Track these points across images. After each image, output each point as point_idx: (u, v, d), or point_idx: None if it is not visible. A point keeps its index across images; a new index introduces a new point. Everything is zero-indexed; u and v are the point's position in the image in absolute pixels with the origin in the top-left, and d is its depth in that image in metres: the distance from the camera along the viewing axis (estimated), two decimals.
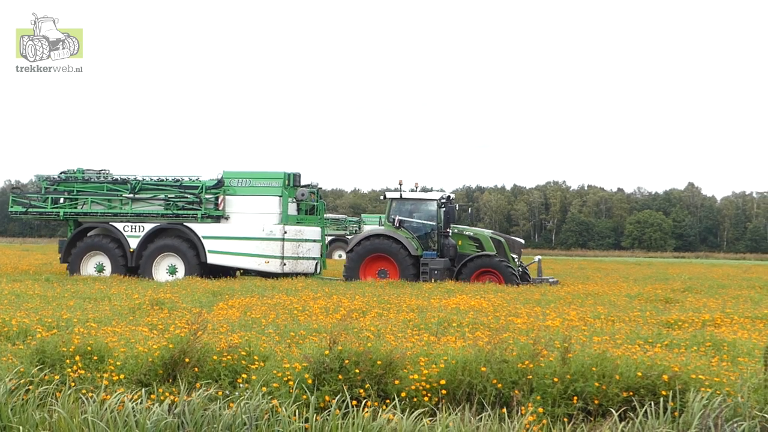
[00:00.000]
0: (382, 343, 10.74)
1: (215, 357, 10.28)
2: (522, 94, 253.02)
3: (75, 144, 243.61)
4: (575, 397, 9.32)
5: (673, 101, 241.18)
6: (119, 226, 32.30)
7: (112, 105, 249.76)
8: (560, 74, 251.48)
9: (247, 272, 32.45)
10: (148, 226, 32.11)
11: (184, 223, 32.06)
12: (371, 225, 70.66)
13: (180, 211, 32.30)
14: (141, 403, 9.06)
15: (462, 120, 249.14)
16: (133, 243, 31.94)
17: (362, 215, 79.21)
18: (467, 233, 32.57)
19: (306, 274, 31.82)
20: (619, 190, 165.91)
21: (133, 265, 31.84)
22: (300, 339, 12.33)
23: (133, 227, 32.19)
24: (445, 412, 8.75)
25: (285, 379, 9.58)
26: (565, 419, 8.97)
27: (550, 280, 31.34)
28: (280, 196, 31.80)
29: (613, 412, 8.71)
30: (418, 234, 32.04)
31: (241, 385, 9.60)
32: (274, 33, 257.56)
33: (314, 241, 33.02)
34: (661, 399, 8.74)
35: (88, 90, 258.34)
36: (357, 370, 9.63)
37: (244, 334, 11.97)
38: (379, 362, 9.75)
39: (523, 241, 35.57)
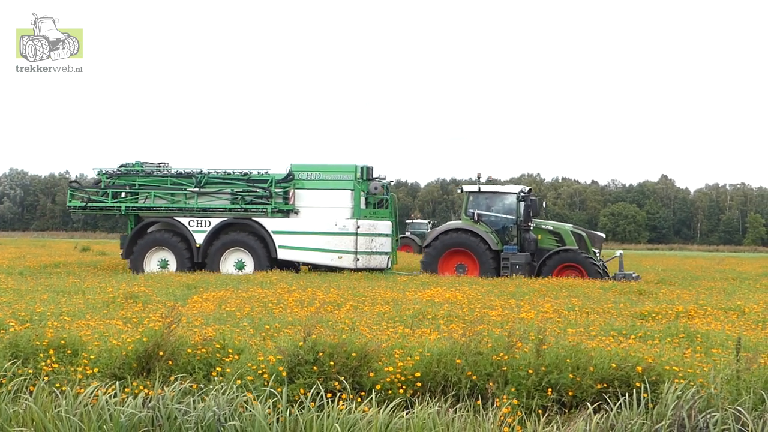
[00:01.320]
0: (357, 336, 10.74)
1: (189, 350, 10.25)
2: (497, 86, 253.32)
3: (74, 144, 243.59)
4: (550, 389, 9.35)
5: (647, 94, 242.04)
6: (184, 220, 31.44)
7: (112, 105, 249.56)
8: (534, 67, 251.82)
9: (315, 267, 31.75)
10: (215, 221, 31.27)
11: (253, 218, 31.24)
12: None
13: (248, 206, 31.40)
14: (115, 396, 9.02)
15: (436, 112, 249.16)
16: (199, 238, 31.12)
17: None
18: (546, 227, 31.83)
19: (379, 270, 31.00)
20: (593, 182, 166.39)
21: (199, 260, 31.06)
22: (275, 332, 12.30)
23: (199, 222, 31.34)
24: (420, 405, 8.75)
25: (259, 372, 9.56)
26: (540, 411, 8.99)
27: (633, 275, 30.01)
28: (352, 190, 31.03)
29: (588, 404, 8.73)
30: (495, 228, 31.22)
31: (215, 378, 9.58)
32: (271, 33, 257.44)
33: (386, 235, 32.04)
34: (635, 390, 8.77)
35: (88, 90, 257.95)
36: (332, 363, 9.62)
37: (219, 327, 11.94)
38: (353, 355, 9.75)
39: (604, 236, 34.66)
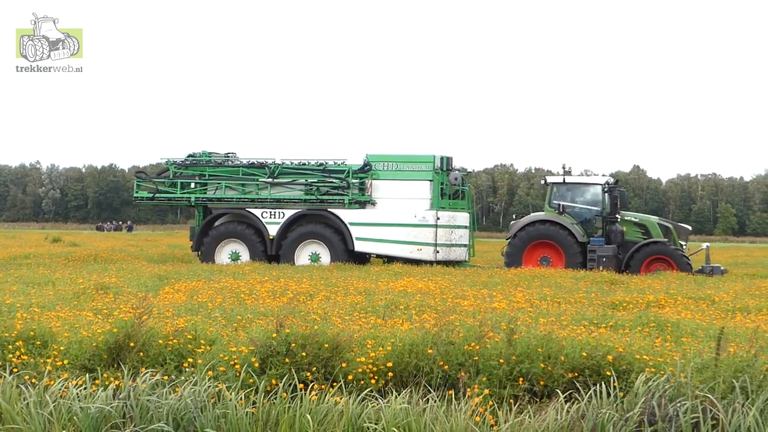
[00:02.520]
0: (329, 326, 10.72)
1: (161, 341, 10.20)
2: (469, 76, 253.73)
3: (72, 144, 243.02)
4: (521, 379, 9.36)
5: (620, 85, 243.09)
6: (257, 212, 30.90)
7: (112, 105, 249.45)
8: (506, 57, 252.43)
9: (391, 259, 30.87)
10: (289, 212, 30.71)
11: (329, 209, 30.70)
12: None
13: (324, 197, 30.86)
14: (85, 388, 8.97)
15: (408, 102, 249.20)
16: (273, 230, 30.55)
17: None
18: (631, 219, 30.81)
19: (457, 262, 30.41)
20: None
21: (272, 252, 30.47)
22: (247, 323, 12.27)
23: (272, 213, 30.77)
24: (392, 395, 8.75)
25: (232, 363, 9.53)
26: (511, 400, 9.01)
27: (721, 268, 29.21)
28: (430, 181, 30.39)
29: (559, 392, 8.76)
30: (579, 220, 30.33)
31: (187, 369, 9.54)
32: (268, 35, 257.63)
33: (464, 227, 31.38)
34: (606, 379, 8.80)
35: (88, 90, 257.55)
36: (304, 353, 9.60)
37: (190, 318, 11.88)
38: (326, 345, 9.73)
39: (690, 228, 33.74)
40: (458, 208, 31.45)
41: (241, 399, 8.62)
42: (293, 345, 9.68)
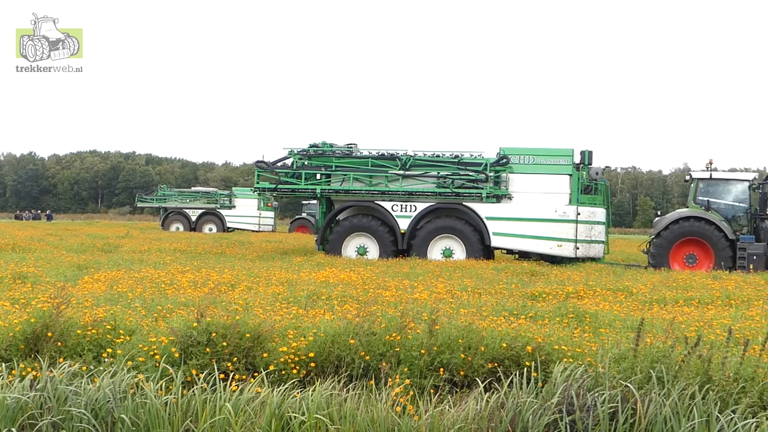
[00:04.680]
0: (251, 317, 10.69)
1: (79, 331, 10.07)
2: (423, 69, 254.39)
3: (71, 143, 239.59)
4: (442, 369, 9.41)
5: (545, 80, 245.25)
6: (386, 205, 30.05)
7: (111, 105, 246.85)
8: (462, 50, 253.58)
9: (524, 255, 30.49)
10: (422, 206, 29.87)
11: (464, 203, 29.77)
12: (242, 199, 70.29)
13: (460, 190, 29.87)
14: (2, 378, 8.82)
15: (335, 93, 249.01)
16: (403, 224, 29.78)
17: (233, 189, 78.49)
18: None
19: (594, 259, 29.68)
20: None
21: (403, 247, 29.69)
22: (167, 313, 12.17)
23: (403, 207, 29.89)
24: (314, 385, 8.74)
25: (151, 353, 9.44)
26: (432, 390, 9.06)
27: None
28: (570, 175, 29.66)
29: (479, 382, 8.83)
30: (725, 216, 29.44)
31: (106, 359, 9.44)
32: (265, 37, 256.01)
33: (602, 223, 30.34)
34: (525, 370, 8.89)
35: (88, 90, 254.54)
36: (225, 344, 9.55)
37: (110, 308, 11.76)
38: (247, 335, 9.69)
39: None
40: (597, 203, 30.64)
41: (160, 389, 8.55)
42: (214, 335, 9.62)
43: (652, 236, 30.00)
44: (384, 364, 9.38)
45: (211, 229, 67.73)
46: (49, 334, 9.90)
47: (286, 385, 8.61)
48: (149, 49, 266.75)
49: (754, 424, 7.53)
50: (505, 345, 9.67)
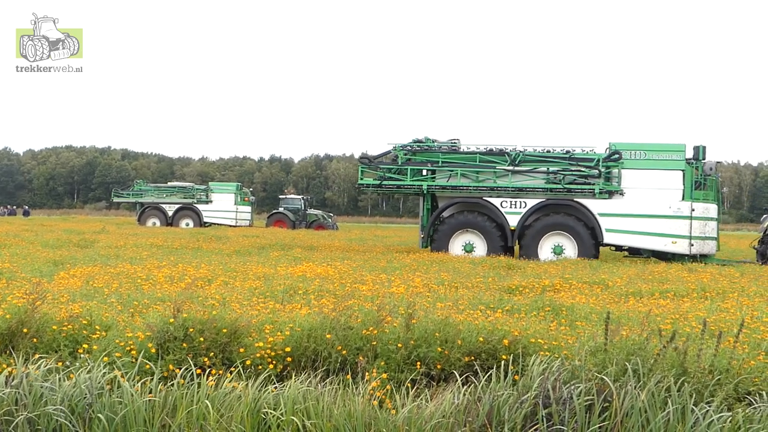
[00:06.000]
0: (228, 312, 10.68)
1: (55, 327, 10.03)
2: (366, 62, 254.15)
3: (46, 138, 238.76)
4: (419, 363, 9.43)
5: (480, 74, 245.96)
6: (495, 201, 29.55)
7: (111, 105, 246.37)
8: (404, 42, 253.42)
9: (633, 252, 30.10)
10: (531, 202, 29.40)
11: (575, 199, 29.35)
12: (219, 193, 70.15)
13: (571, 186, 29.41)
14: None
15: (309, 88, 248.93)
16: (513, 221, 29.29)
17: (210, 183, 78.26)
18: None
19: (705, 256, 29.18)
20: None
21: (512, 244, 29.30)
22: (144, 308, 12.15)
23: (513, 203, 29.44)
24: (291, 379, 8.74)
25: (128, 348, 9.42)
26: (409, 384, 9.07)
27: None
28: (682, 171, 29.09)
29: (456, 375, 8.84)
30: None
31: (82, 355, 9.40)
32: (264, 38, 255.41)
33: (715, 219, 29.94)
34: (502, 363, 8.92)
35: (88, 90, 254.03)
36: (201, 339, 9.53)
37: (86, 304, 11.72)
38: (224, 330, 9.68)
39: None
40: (710, 199, 30.19)
41: (137, 385, 8.53)
42: (191, 330, 9.60)
43: (762, 232, 29.92)
44: (361, 358, 9.39)
45: (187, 224, 67.53)
46: (25, 330, 9.85)
47: (260, 379, 8.61)
48: (149, 49, 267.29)
49: (728, 417, 7.59)
50: (481, 338, 9.69)
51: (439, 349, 9.53)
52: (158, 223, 67.78)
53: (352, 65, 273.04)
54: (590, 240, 29.06)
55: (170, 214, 68.65)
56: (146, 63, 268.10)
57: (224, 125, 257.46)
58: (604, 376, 8.10)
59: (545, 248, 29.22)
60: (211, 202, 69.82)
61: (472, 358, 9.54)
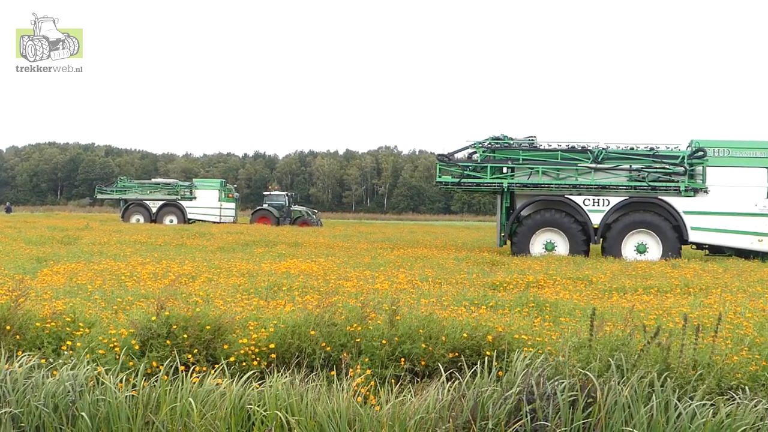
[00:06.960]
0: (211, 308, 10.67)
1: (38, 324, 10.00)
2: (352, 59, 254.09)
3: (29, 135, 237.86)
4: (403, 359, 9.43)
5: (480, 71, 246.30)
6: (578, 199, 29.28)
7: (111, 105, 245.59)
8: (390, 40, 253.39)
9: (715, 250, 29.81)
10: (615, 200, 29.13)
11: (660, 197, 29.07)
12: (203, 190, 70.00)
13: (656, 183, 29.12)
14: None
15: (293, 85, 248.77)
16: (596, 218, 29.03)
17: (194, 180, 78.06)
18: None
19: None
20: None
21: (595, 243, 29.12)
22: (127, 305, 12.12)
23: (596, 201, 29.17)
24: (275, 376, 8.74)
25: (111, 345, 9.39)
26: (393, 380, 9.07)
27: None
28: (767, 168, 28.85)
29: (441, 369, 8.85)
30: None
31: (65, 352, 9.38)
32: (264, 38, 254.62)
33: None
34: (486, 359, 8.93)
35: (88, 90, 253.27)
36: (185, 336, 9.52)
37: (69, 301, 11.69)
38: (207, 327, 9.67)
39: None
40: None
41: (121, 382, 8.51)
42: (174, 327, 9.59)
43: None
44: (345, 354, 9.39)
45: (171, 221, 67.37)
46: (8, 327, 9.83)
47: (245, 376, 8.60)
48: (149, 49, 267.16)
49: (711, 411, 7.62)
50: (466, 335, 9.70)
51: (424, 345, 9.53)
52: (142, 220, 67.58)
53: (336, 61, 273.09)
54: (675, 238, 28.93)
55: (154, 210, 68.47)
56: (137, 62, 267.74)
57: (208, 122, 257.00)
58: (587, 372, 8.12)
59: (628, 246, 29.06)
60: (195, 198, 69.66)
61: (457, 354, 9.55)
